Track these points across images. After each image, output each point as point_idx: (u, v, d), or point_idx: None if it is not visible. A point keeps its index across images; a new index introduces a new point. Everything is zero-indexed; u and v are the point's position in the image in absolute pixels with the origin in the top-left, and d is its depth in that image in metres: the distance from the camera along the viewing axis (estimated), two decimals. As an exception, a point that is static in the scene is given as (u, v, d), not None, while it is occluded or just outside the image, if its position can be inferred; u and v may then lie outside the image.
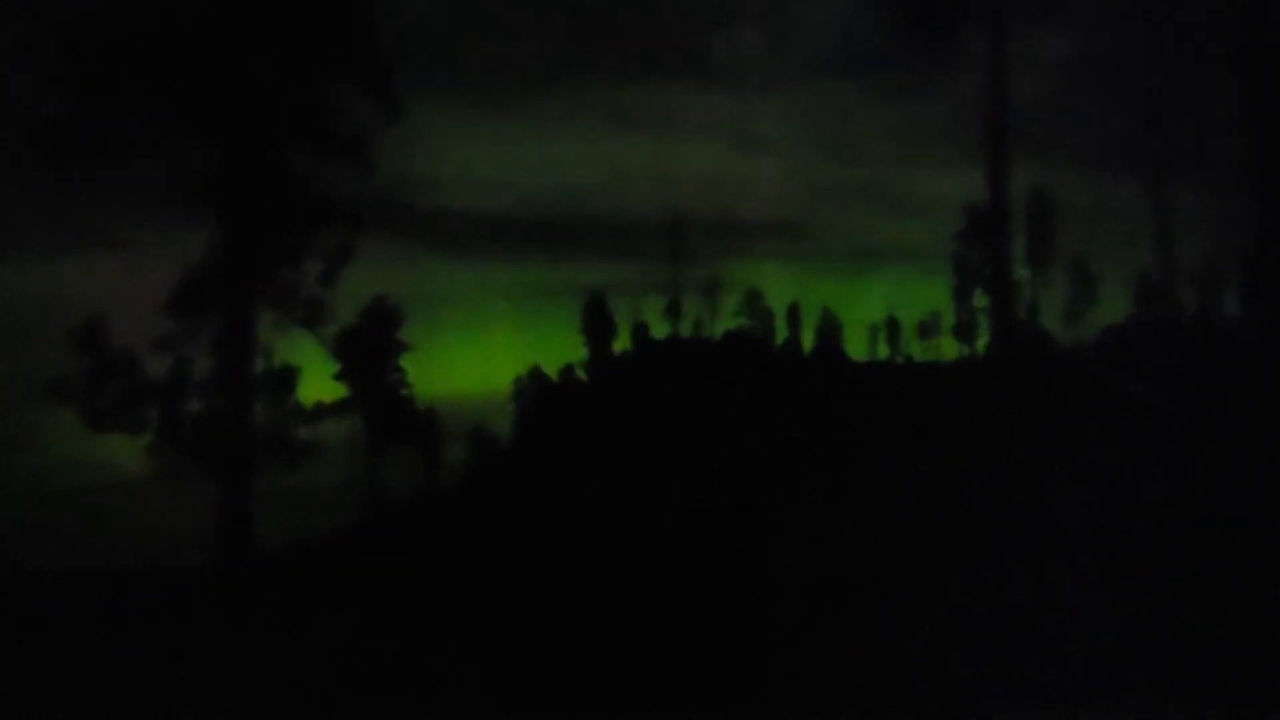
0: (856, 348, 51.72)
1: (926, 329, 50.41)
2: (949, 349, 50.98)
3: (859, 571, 14.03)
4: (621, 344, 48.71)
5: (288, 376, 16.11)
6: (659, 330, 50.83)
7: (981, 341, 42.58)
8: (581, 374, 45.92)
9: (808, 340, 52.12)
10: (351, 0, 17.31)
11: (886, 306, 52.17)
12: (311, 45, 16.92)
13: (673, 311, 50.99)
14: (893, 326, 52.38)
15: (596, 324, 47.98)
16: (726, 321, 52.60)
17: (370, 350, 32.14)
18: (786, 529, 18.21)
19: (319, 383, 19.38)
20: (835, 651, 10.77)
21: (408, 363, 36.08)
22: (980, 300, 41.88)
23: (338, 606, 14.15)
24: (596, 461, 33.12)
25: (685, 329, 51.71)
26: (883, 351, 52.51)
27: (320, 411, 16.84)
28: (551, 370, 48.44)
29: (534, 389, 47.33)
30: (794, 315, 51.15)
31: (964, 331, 47.36)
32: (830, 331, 50.21)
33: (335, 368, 22.23)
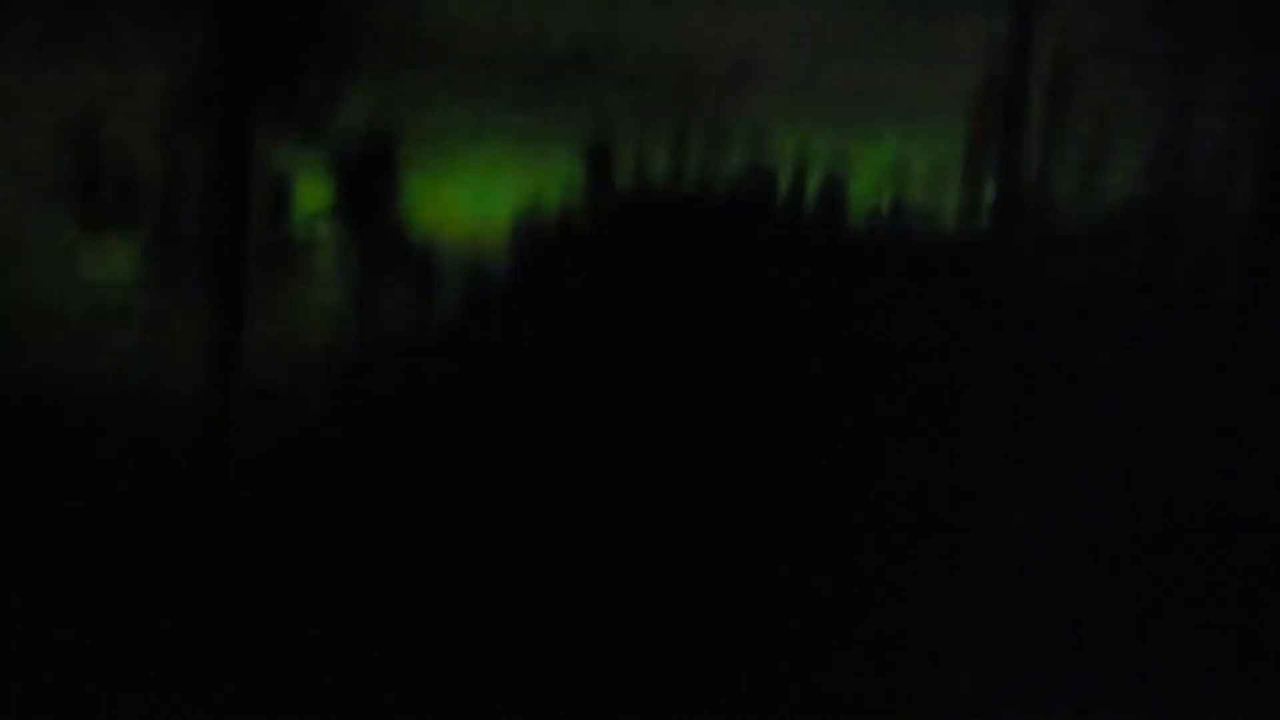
0: (863, 197, 51.00)
1: (935, 180, 49.73)
2: (956, 200, 50.23)
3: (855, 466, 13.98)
4: (622, 185, 48.03)
5: (284, 184, 15.80)
6: (660, 172, 50.04)
7: (989, 192, 41.93)
8: (583, 217, 45.43)
9: (811, 189, 51.37)
10: None
11: (896, 157, 51.30)
12: None
13: (676, 154, 50.18)
14: (899, 177, 51.69)
15: (599, 169, 47.28)
16: (730, 166, 51.74)
17: (369, 168, 31.72)
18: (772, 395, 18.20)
19: (312, 198, 19.11)
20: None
21: (407, 189, 35.62)
22: (990, 152, 40.97)
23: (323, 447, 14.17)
24: (589, 305, 33.10)
25: (688, 173, 50.90)
26: (889, 204, 51.91)
27: (316, 219, 16.55)
28: (552, 210, 47.87)
29: (531, 228, 46.90)
30: (798, 169, 50.37)
31: (972, 183, 46.53)
32: (835, 187, 49.54)
33: (331, 184, 21.98)
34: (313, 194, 18.29)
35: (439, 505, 11.43)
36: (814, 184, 50.23)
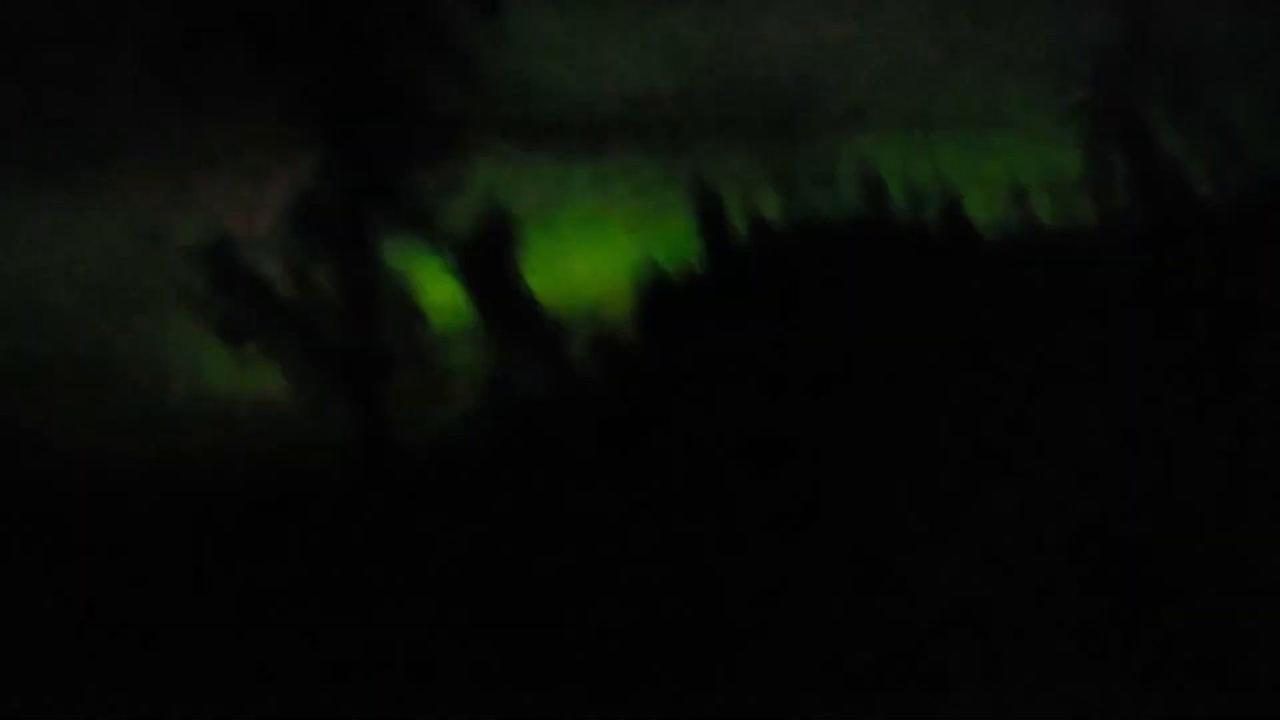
0: (979, 213, 49.55)
1: (1054, 192, 47.87)
2: (1082, 212, 48.17)
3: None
4: (736, 232, 47.89)
5: (409, 288, 16.23)
6: (772, 213, 49.66)
7: (1119, 200, 39.92)
8: (698, 268, 45.46)
9: (930, 218, 50.18)
10: None
11: (1011, 170, 49.75)
12: None
13: (787, 195, 49.81)
14: (1019, 191, 49.93)
15: (710, 215, 47.31)
16: (843, 205, 51.00)
17: (490, 254, 32.34)
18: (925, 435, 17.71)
19: (439, 292, 19.56)
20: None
21: (528, 267, 36.26)
22: (1113, 157, 39.17)
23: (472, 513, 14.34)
24: (716, 356, 32.91)
25: (799, 211, 50.38)
26: (1009, 216, 50.21)
27: (444, 316, 16.96)
28: (669, 265, 48.06)
29: (651, 285, 47.11)
30: (913, 191, 49.25)
31: (1100, 190, 44.51)
32: (951, 203, 48.25)
33: (453, 275, 22.49)
34: (438, 287, 18.73)
35: (580, 577, 11.47)
36: (932, 208, 49.05)
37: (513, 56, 18.13)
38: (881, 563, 10.89)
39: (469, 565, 12.10)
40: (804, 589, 10.28)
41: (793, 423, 20.30)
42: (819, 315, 32.13)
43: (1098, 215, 42.68)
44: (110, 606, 12.56)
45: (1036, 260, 33.10)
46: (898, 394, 21.55)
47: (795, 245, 46.04)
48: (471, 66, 16.79)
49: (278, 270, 16.23)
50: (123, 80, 15.75)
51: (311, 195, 16.08)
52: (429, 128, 16.53)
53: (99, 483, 17.65)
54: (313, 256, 16.17)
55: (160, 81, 15.73)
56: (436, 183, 16.93)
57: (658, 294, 52.07)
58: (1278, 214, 30.42)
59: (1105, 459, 13.11)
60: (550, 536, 13.44)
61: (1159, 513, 10.62)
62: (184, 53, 15.75)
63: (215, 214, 16.55)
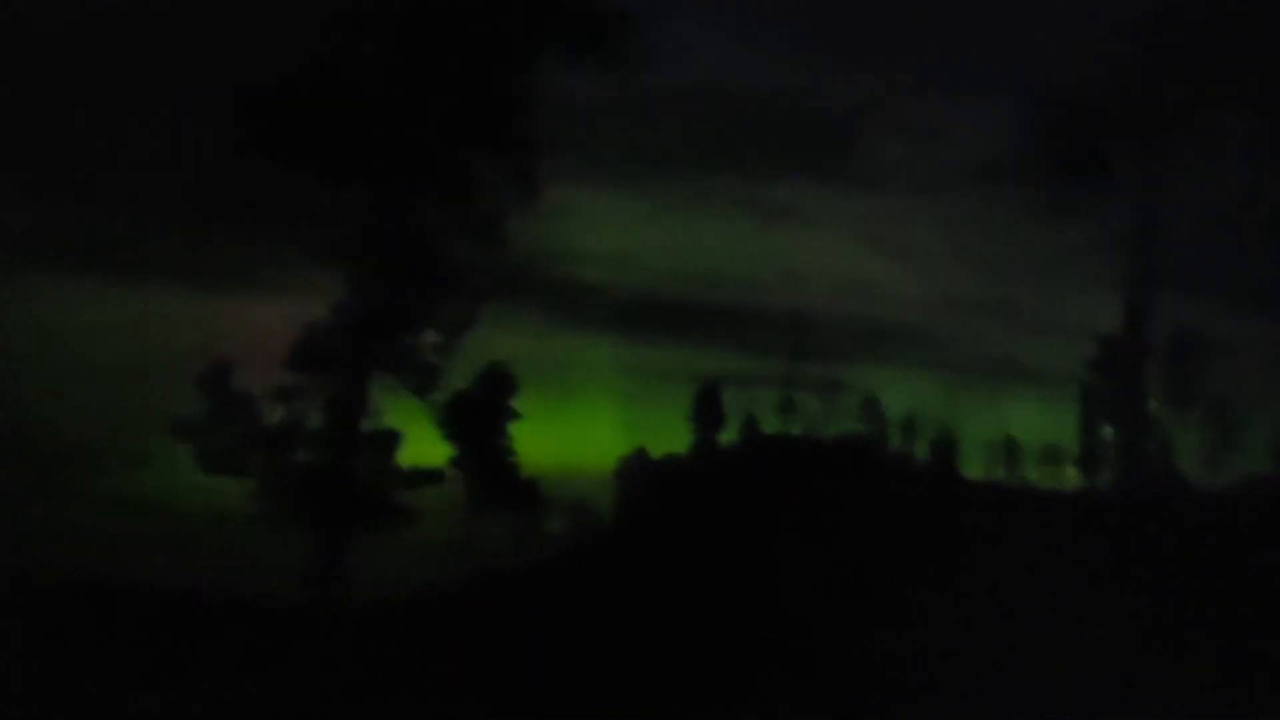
0: (972, 465, 50.03)
1: (1050, 456, 48.49)
2: (1070, 478, 48.87)
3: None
4: (730, 435, 48.25)
5: (391, 440, 16.39)
6: (770, 425, 50.24)
7: (1106, 477, 40.62)
8: (687, 461, 45.59)
9: (922, 452, 50.71)
10: (509, 82, 17.85)
11: (1006, 426, 50.47)
12: (464, 122, 17.47)
13: (786, 408, 50.37)
14: (1012, 448, 50.64)
15: (707, 411, 47.70)
16: (840, 424, 51.54)
17: (481, 415, 32.48)
18: (887, 640, 17.55)
19: (426, 447, 19.60)
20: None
21: (516, 430, 36.27)
22: (1107, 432, 40.13)
23: (425, 672, 14.09)
24: (698, 548, 32.66)
25: (797, 427, 50.99)
26: (999, 472, 50.70)
27: (419, 476, 17.04)
28: (657, 453, 48.16)
29: (639, 469, 47.19)
30: (910, 425, 49.95)
31: (1089, 463, 45.27)
32: (946, 445, 48.77)
33: (440, 433, 22.58)
34: (426, 439, 18.86)
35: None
36: (925, 438, 49.52)
37: (545, 230, 18.75)
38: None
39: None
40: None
41: (751, 621, 20.13)
42: (794, 527, 32.11)
43: (1083, 485, 42.94)
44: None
45: (1015, 515, 33.26)
46: (853, 608, 21.45)
47: (784, 456, 46.11)
48: (500, 238, 17.35)
49: (269, 400, 16.38)
50: (158, 199, 16.37)
51: (318, 332, 16.39)
52: (445, 287, 16.95)
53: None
54: (307, 393, 16.35)
55: (193, 203, 16.26)
56: (444, 340, 17.23)
57: (642, 478, 51.76)
58: (1263, 507, 30.75)
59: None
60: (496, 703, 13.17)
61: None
62: (223, 175, 16.31)
63: (217, 340, 16.90)
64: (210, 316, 17.97)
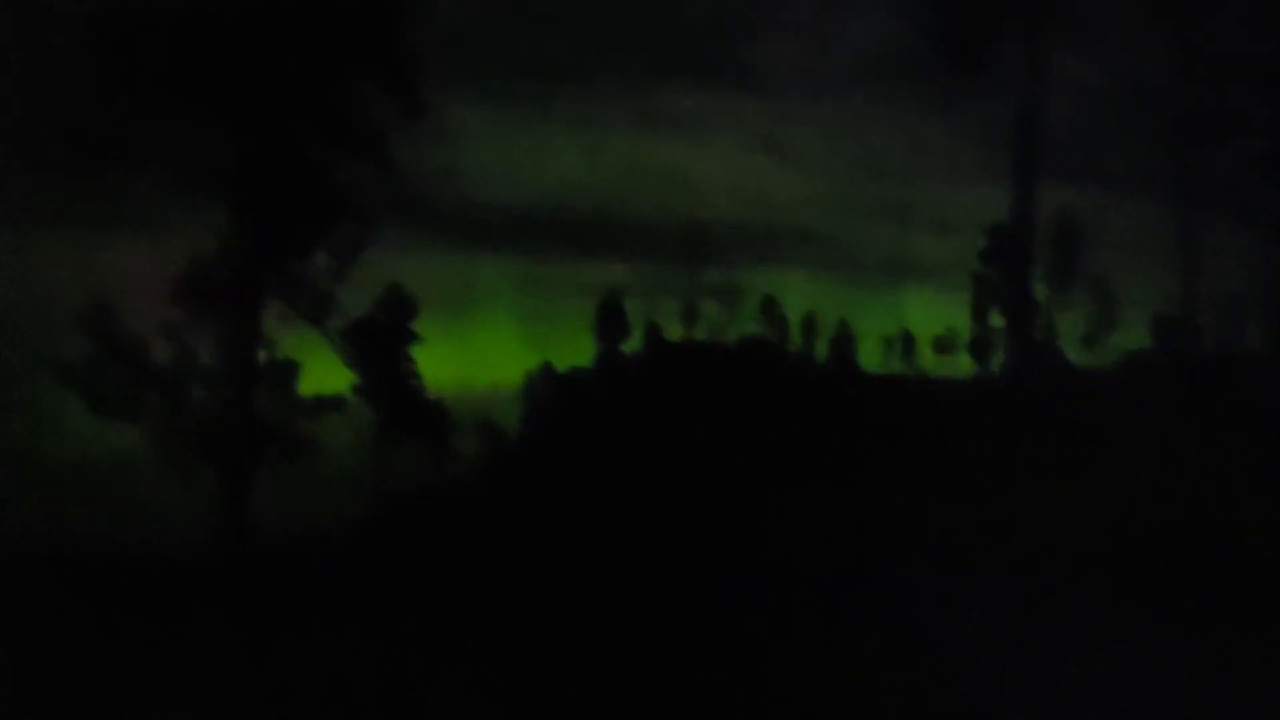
0: (871, 360, 51.51)
1: (942, 345, 50.03)
2: (964, 366, 50.71)
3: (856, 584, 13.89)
4: (634, 345, 48.60)
5: (290, 370, 16.00)
6: (673, 333, 50.71)
7: (997, 360, 42.29)
8: (594, 373, 45.80)
9: (822, 351, 51.90)
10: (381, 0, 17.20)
11: (902, 321, 51.90)
12: (338, 43, 16.80)
13: (688, 315, 50.84)
14: (908, 341, 52.09)
15: (610, 323, 47.84)
16: (742, 328, 52.38)
17: (382, 340, 32.02)
18: (791, 538, 18.09)
19: (326, 375, 19.24)
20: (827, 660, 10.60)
21: (418, 354, 35.91)
22: (997, 319, 41.62)
23: (338, 604, 14.04)
24: (607, 459, 33.04)
25: (700, 333, 51.57)
26: (897, 366, 52.23)
27: (320, 404, 16.72)
28: (563, 367, 48.31)
29: (545, 385, 47.21)
30: (809, 325, 50.90)
31: (980, 350, 46.99)
32: (845, 342, 49.91)
33: (341, 360, 22.22)
34: (326, 368, 18.50)
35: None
36: (824, 337, 50.56)
37: (432, 148, 18.29)
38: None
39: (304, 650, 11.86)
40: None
41: (661, 526, 20.52)
42: (699, 429, 32.67)
43: (976, 371, 44.50)
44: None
45: (912, 404, 34.41)
46: (774, 511, 22.02)
47: (686, 360, 46.72)
48: (386, 159, 16.84)
49: (158, 338, 15.83)
50: (26, 133, 15.45)
51: (204, 265, 15.82)
52: (332, 211, 16.45)
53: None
54: (197, 327, 15.83)
55: (66, 139, 15.47)
56: (337, 265, 16.79)
57: (548, 393, 51.89)
58: (1142, 382, 32.41)
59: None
60: (403, 627, 13.18)
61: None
62: (92, 112, 15.55)
63: (102, 278, 16.20)
64: (92, 258, 17.19)
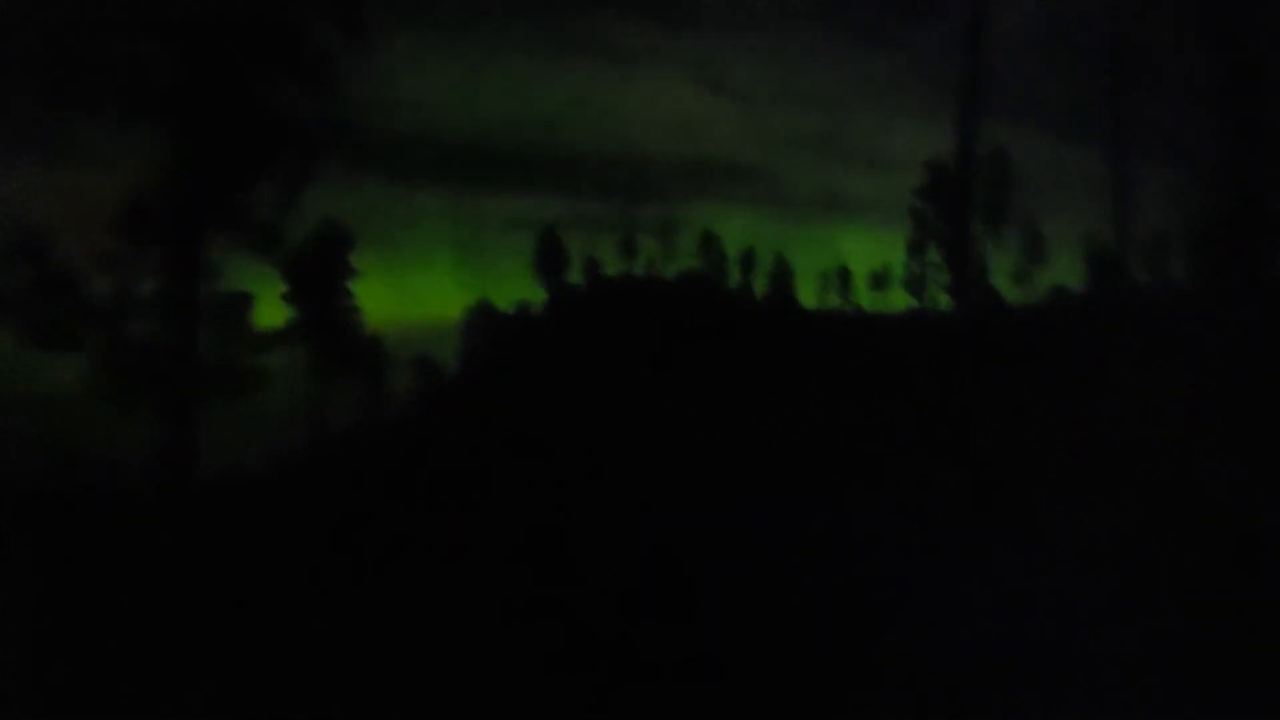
0: (808, 295, 52.08)
1: (878, 281, 50.70)
2: (899, 301, 51.64)
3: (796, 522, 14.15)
4: (573, 280, 48.41)
5: (239, 302, 15.67)
6: (612, 268, 50.57)
7: (934, 296, 43.06)
8: (531, 308, 45.63)
9: (760, 285, 52.29)
10: None
11: (839, 256, 52.32)
12: None
13: (626, 250, 50.69)
14: (844, 276, 52.66)
15: (549, 258, 47.53)
16: (680, 263, 52.46)
17: (318, 274, 31.47)
18: (732, 474, 18.33)
19: (267, 309, 18.85)
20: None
21: (355, 288, 35.42)
22: (933, 255, 42.26)
23: (272, 539, 13.94)
24: (543, 395, 33.07)
25: (638, 268, 51.49)
26: (833, 300, 52.88)
27: (269, 338, 16.43)
28: (501, 302, 48.09)
29: (483, 320, 46.92)
30: (747, 260, 51.13)
31: (915, 285, 47.70)
32: (782, 278, 50.29)
33: (283, 292, 21.78)
34: (267, 301, 18.14)
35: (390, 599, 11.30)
36: (763, 272, 50.89)
37: (368, 79, 17.80)
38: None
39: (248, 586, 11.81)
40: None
41: (596, 462, 20.67)
42: (637, 365, 32.83)
43: (911, 306, 45.19)
44: None
45: (848, 340, 34.91)
46: (713, 446, 22.28)
47: (626, 295, 46.73)
48: (330, 86, 16.38)
49: (96, 271, 15.37)
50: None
51: (147, 196, 15.33)
52: (276, 140, 16.01)
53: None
54: (137, 259, 15.38)
55: (3, 67, 14.80)
56: (278, 196, 16.37)
57: (486, 328, 51.63)
58: (1068, 317, 33.29)
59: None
60: (338, 562, 13.16)
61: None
62: (23, 37, 14.89)
63: (37, 210, 15.62)
64: (26, 190, 16.54)
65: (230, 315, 15.56)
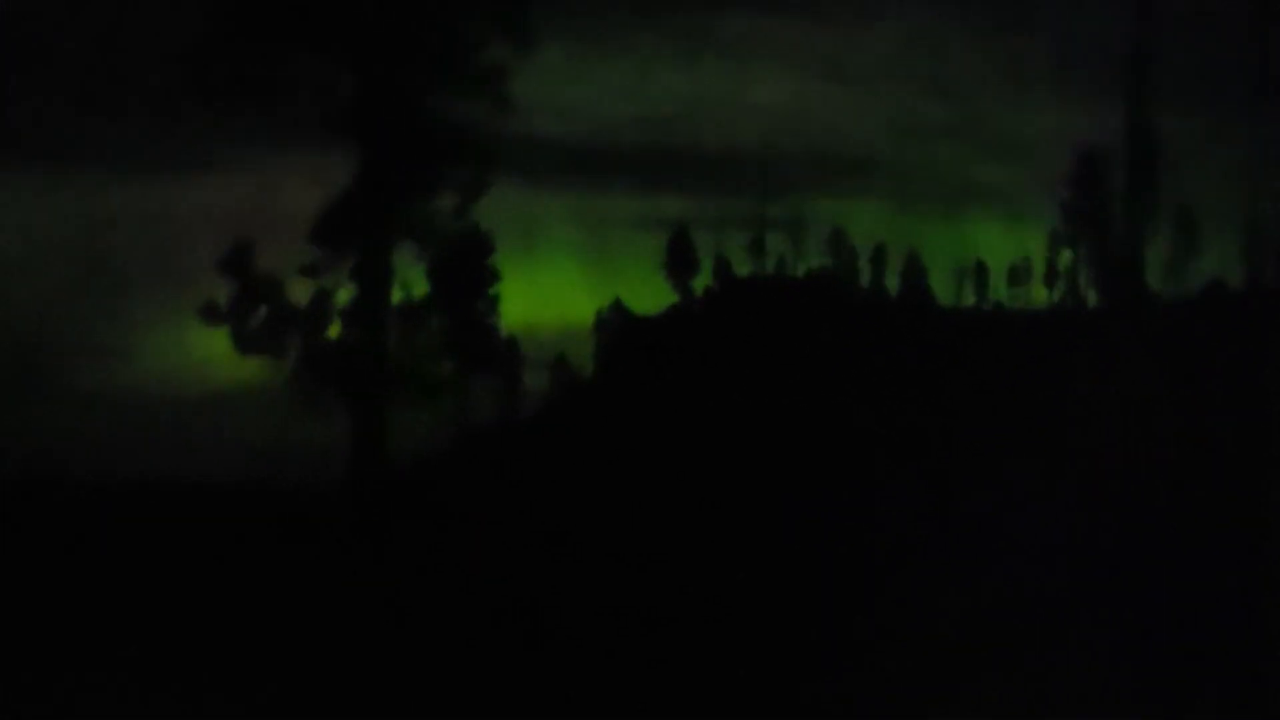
0: (942, 291, 50.99)
1: (1016, 275, 49.42)
2: (1039, 296, 50.09)
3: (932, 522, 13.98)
4: (703, 279, 48.64)
5: (424, 309, 16.39)
6: (741, 267, 50.59)
7: (1083, 291, 41.58)
8: (664, 308, 46.05)
9: (892, 282, 51.57)
10: None
11: (975, 251, 50.99)
12: None
13: (756, 248, 50.63)
14: (981, 271, 51.50)
15: (679, 259, 47.87)
16: (810, 260, 52.06)
17: (463, 280, 32.34)
18: (868, 477, 18.24)
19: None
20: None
21: (495, 292, 36.33)
22: (1080, 249, 40.88)
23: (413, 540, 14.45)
24: (677, 396, 33.37)
25: (768, 266, 51.36)
26: (969, 297, 51.78)
27: (455, 344, 17.11)
28: (633, 303, 48.54)
29: (616, 322, 47.51)
30: (879, 256, 50.52)
31: (1059, 280, 46.23)
32: (916, 274, 49.51)
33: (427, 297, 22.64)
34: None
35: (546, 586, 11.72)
36: (894, 268, 50.05)
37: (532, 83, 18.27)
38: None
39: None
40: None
41: (734, 466, 20.82)
42: (776, 365, 32.82)
43: (1054, 301, 43.88)
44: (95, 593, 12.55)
45: (989, 335, 34.22)
46: (849, 449, 22.18)
47: (757, 295, 46.70)
48: (502, 96, 16.99)
49: (293, 278, 16.28)
50: (152, 85, 15.74)
51: (334, 206, 16.16)
52: (453, 150, 16.69)
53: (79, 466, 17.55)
54: (328, 266, 16.24)
55: (189, 87, 15.81)
56: (457, 205, 17.07)
57: (619, 329, 52.17)
58: (1224, 310, 31.96)
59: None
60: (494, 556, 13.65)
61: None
62: (214, 58, 15.85)
63: (235, 221, 16.56)
64: (218, 203, 17.60)
65: (415, 321, 16.30)
